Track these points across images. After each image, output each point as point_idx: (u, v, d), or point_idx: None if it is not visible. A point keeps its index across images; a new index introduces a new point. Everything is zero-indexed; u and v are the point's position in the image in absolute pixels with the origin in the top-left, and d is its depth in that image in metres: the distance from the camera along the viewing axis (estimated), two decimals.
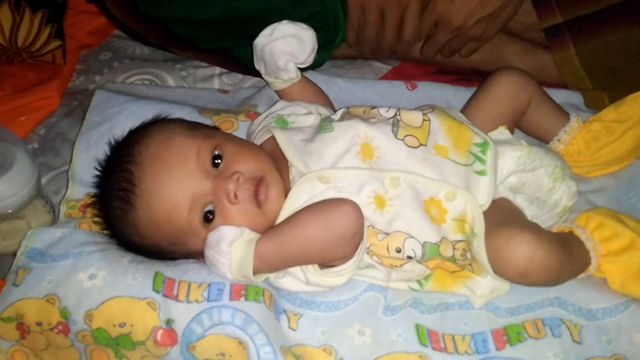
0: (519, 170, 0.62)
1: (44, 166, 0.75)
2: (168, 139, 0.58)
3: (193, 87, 0.84)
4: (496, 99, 0.66)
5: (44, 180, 0.73)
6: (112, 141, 0.63)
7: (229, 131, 0.71)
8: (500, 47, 0.85)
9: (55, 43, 0.86)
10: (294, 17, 0.78)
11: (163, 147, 0.57)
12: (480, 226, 0.57)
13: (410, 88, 0.81)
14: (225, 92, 0.82)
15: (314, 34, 0.68)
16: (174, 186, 0.56)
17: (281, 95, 0.73)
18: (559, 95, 0.77)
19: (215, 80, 0.85)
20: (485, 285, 0.59)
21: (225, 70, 0.86)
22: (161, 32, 0.80)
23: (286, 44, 0.67)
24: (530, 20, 0.80)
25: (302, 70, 0.81)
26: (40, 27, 0.85)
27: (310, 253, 0.55)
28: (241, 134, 0.71)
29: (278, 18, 0.78)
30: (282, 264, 0.56)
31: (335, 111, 0.72)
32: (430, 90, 0.80)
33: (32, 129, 0.80)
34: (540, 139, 0.70)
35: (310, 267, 0.56)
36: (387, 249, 0.57)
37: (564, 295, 0.59)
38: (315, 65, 0.85)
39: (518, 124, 0.70)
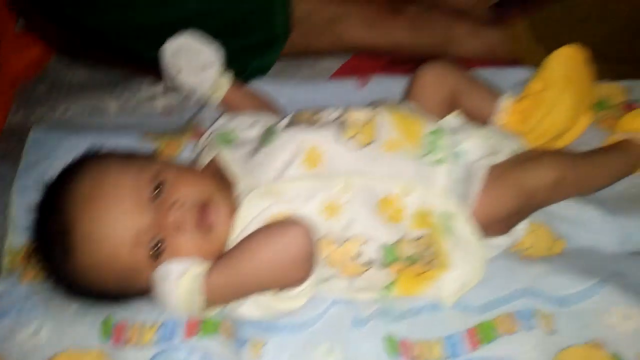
0: (488, 154, 0.61)
1: None
2: (101, 176, 0.55)
3: (136, 110, 0.80)
4: (422, 91, 0.66)
5: None
6: (46, 183, 0.59)
7: (175, 154, 0.68)
8: (450, 28, 0.82)
9: None
10: (229, 17, 0.76)
11: (96, 186, 0.54)
12: (456, 206, 0.56)
13: (362, 84, 0.79)
14: (169, 113, 0.79)
15: (214, 51, 0.67)
16: (112, 226, 0.53)
17: (222, 107, 0.69)
18: (515, 73, 0.76)
19: (159, 99, 0.81)
20: (454, 281, 0.57)
21: (168, 87, 0.82)
22: (99, 45, 0.77)
23: (182, 60, 0.66)
24: None
25: (250, 77, 0.78)
26: None
27: (262, 282, 0.52)
28: (187, 155, 0.68)
29: (213, 21, 0.75)
30: (233, 296, 0.54)
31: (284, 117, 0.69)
32: (383, 84, 0.78)
33: None
34: (479, 123, 0.68)
35: (266, 293, 0.53)
36: (346, 257, 0.55)
37: (535, 284, 0.57)
38: (263, 69, 0.82)
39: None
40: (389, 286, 0.58)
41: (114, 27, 0.74)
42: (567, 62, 0.64)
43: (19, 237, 0.64)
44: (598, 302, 0.55)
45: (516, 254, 0.62)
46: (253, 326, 0.56)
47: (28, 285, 0.59)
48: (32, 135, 0.71)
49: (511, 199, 0.58)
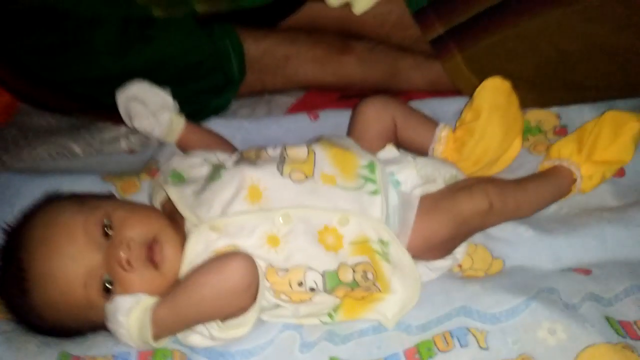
0: (422, 183, 0.64)
1: None
2: (53, 219, 0.58)
3: (100, 152, 0.84)
4: (363, 125, 0.70)
5: None
6: (5, 226, 0.62)
7: (132, 193, 0.72)
8: (396, 63, 0.87)
9: None
10: (186, 63, 0.81)
11: (49, 228, 0.58)
12: (390, 234, 0.60)
13: (313, 119, 0.83)
14: (132, 152, 0.83)
15: (164, 96, 0.71)
16: (64, 266, 0.56)
17: (179, 147, 0.73)
18: (456, 103, 0.80)
19: (122, 141, 0.85)
20: (395, 304, 0.60)
21: (130, 129, 0.86)
22: (60, 95, 0.81)
23: (136, 107, 0.70)
24: (418, 33, 0.82)
25: (209, 116, 0.83)
26: None
27: (207, 312, 0.55)
28: (144, 194, 0.71)
29: (171, 67, 0.80)
30: (181, 327, 0.57)
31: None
32: (333, 118, 0.82)
33: None
34: (420, 153, 0.72)
35: (212, 323, 0.56)
36: (290, 285, 0.58)
37: (469, 303, 0.60)
38: (221, 108, 0.87)
39: (398, 143, 0.72)
40: (333, 311, 0.61)
41: (75, 79, 0.78)
42: (493, 92, 0.69)
43: None
44: (526, 318, 0.58)
45: (457, 274, 0.66)
46: (205, 354, 0.58)
47: None
48: None
49: (446, 226, 0.62)
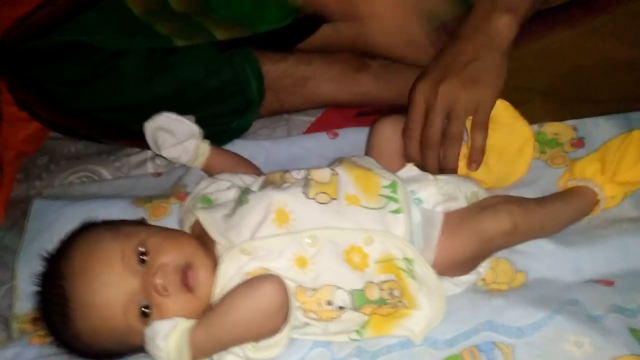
0: (444, 200, 0.66)
1: None
2: (91, 248, 0.61)
3: (128, 175, 0.87)
4: (380, 144, 0.72)
5: None
6: (45, 255, 0.65)
7: (162, 217, 0.74)
8: (411, 79, 0.88)
9: None
10: (208, 88, 0.84)
11: (88, 257, 0.60)
12: (414, 251, 0.61)
13: (332, 137, 0.85)
14: (158, 175, 0.86)
15: (190, 125, 0.74)
16: (104, 294, 0.59)
17: (204, 171, 0.76)
18: None
19: (149, 164, 0.88)
20: (421, 319, 0.62)
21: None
22: (88, 123, 0.84)
23: (164, 136, 0.73)
24: (431, 52, 0.83)
25: (230, 138, 0.85)
26: None
27: (241, 334, 0.58)
28: (174, 217, 0.74)
29: (194, 92, 0.82)
30: (217, 349, 0.59)
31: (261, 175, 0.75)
32: (351, 136, 0.85)
33: None
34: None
35: (247, 344, 0.58)
36: (319, 304, 0.60)
37: (494, 318, 0.61)
38: (242, 130, 0.89)
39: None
40: (362, 328, 0.62)
41: (103, 107, 0.81)
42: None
43: (25, 303, 0.70)
44: (552, 331, 0.59)
45: (481, 288, 0.67)
46: None
47: (37, 347, 0.64)
48: (34, 207, 0.78)
49: (470, 245, 0.63)
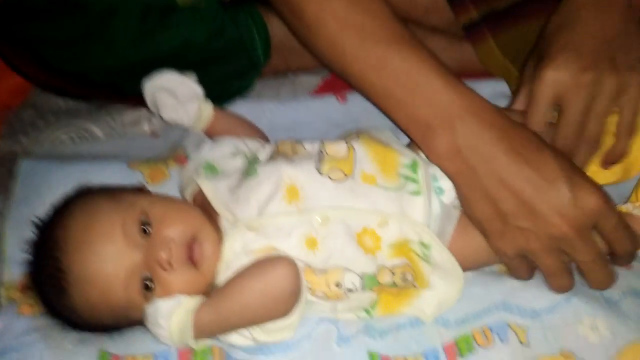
0: None
1: None
2: (90, 219, 0.57)
3: (122, 135, 0.82)
4: None
5: None
6: (38, 221, 0.61)
7: (160, 182, 0.70)
8: (426, 43, 0.84)
9: None
10: (211, 49, 0.78)
11: (87, 229, 0.56)
12: (431, 236, 0.58)
13: (341, 101, 0.81)
14: (155, 134, 0.81)
15: (193, 86, 0.69)
16: (104, 268, 0.55)
17: (206, 134, 0.71)
18: (489, 86, 0.78)
19: (144, 123, 0.82)
20: (432, 299, 0.60)
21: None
22: (80, 84, 0.78)
23: (165, 97, 0.68)
24: (450, 16, 0.79)
25: (232, 99, 0.80)
26: None
27: (251, 318, 0.55)
28: (173, 183, 0.70)
29: (194, 53, 0.76)
30: (223, 331, 0.56)
31: (266, 140, 0.71)
32: (362, 101, 0.79)
33: None
34: None
35: (256, 327, 0.56)
36: (328, 285, 0.58)
37: (509, 298, 0.60)
38: (243, 91, 0.84)
39: None
40: (371, 307, 0.60)
41: (94, 68, 0.75)
42: None
43: (13, 270, 0.66)
44: (567, 314, 0.58)
45: (494, 269, 0.65)
46: (244, 349, 0.58)
47: (27, 318, 0.61)
48: (21, 168, 0.72)
49: (482, 251, 0.60)
